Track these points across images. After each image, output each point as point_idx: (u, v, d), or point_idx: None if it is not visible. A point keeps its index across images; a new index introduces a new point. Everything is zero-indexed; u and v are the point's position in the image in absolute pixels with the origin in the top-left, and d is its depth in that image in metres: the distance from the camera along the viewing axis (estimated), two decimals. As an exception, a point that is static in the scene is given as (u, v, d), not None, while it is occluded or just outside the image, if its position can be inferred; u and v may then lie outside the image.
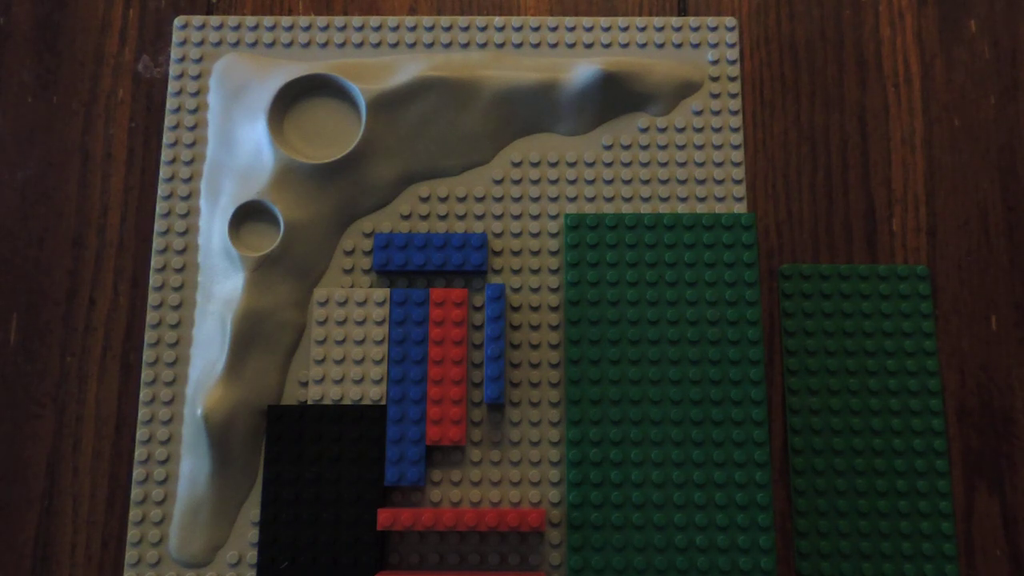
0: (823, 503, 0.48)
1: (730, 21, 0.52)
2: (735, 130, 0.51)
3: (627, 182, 0.51)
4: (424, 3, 0.55)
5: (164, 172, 0.51)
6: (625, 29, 0.52)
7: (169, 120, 0.52)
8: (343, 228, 0.50)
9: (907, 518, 0.48)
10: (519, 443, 0.48)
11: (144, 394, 0.48)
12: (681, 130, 0.51)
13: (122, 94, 0.53)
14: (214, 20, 0.53)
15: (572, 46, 0.52)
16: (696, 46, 0.52)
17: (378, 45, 0.52)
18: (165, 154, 0.51)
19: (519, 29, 0.52)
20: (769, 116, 0.53)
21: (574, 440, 0.47)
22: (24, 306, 0.51)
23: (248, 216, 0.49)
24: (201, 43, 0.53)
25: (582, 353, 0.48)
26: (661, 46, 0.52)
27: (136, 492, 0.47)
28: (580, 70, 0.50)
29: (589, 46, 0.52)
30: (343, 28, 0.53)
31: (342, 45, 0.52)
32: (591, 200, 0.50)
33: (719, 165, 0.51)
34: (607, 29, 0.52)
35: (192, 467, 0.47)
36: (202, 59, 0.52)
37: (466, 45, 0.52)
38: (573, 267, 0.49)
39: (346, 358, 0.48)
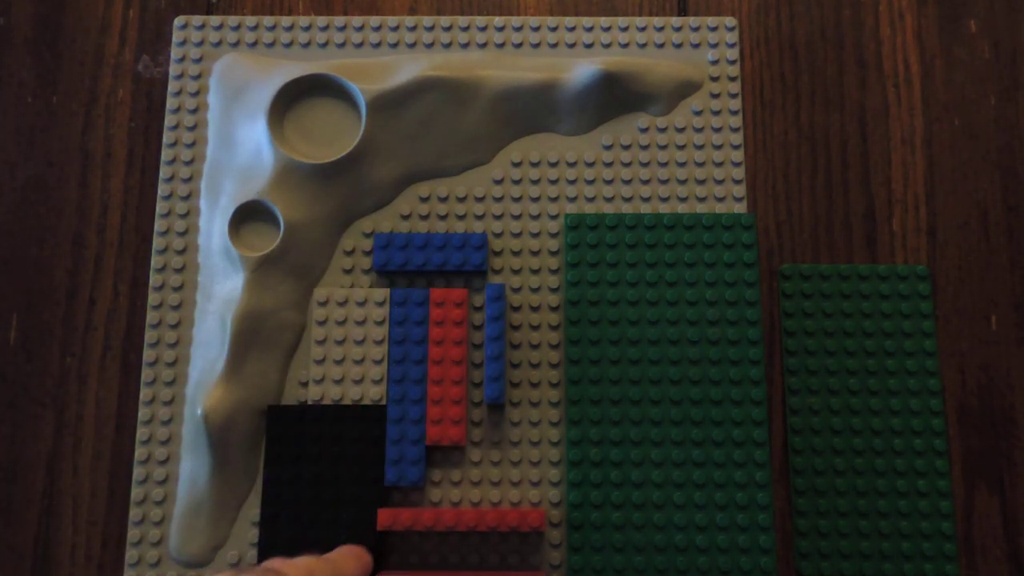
0: (823, 503, 0.48)
1: (730, 21, 0.52)
2: (735, 130, 0.51)
3: (627, 182, 0.51)
4: (424, 3, 0.55)
5: (164, 172, 0.51)
6: (625, 29, 0.52)
7: (169, 120, 0.52)
8: (343, 228, 0.50)
9: (907, 518, 0.48)
10: (519, 443, 0.48)
11: (144, 394, 0.48)
12: (681, 130, 0.51)
13: (122, 94, 0.53)
14: (214, 20, 0.53)
15: (572, 46, 0.52)
16: (696, 46, 0.52)
17: (378, 45, 0.52)
18: (165, 154, 0.51)
19: (519, 29, 0.52)
20: (769, 116, 0.53)
21: (574, 440, 0.47)
22: (24, 306, 0.51)
23: (248, 216, 0.49)
24: (201, 43, 0.53)
25: (582, 353, 0.48)
26: (661, 46, 0.52)
27: (136, 492, 0.47)
28: (580, 70, 0.50)
29: (589, 46, 0.52)
30: (343, 28, 0.53)
31: (342, 45, 0.52)
32: (591, 200, 0.50)
33: (719, 165, 0.51)
34: (607, 29, 0.52)
35: (192, 467, 0.47)
36: (202, 59, 0.52)
37: (466, 45, 0.52)
38: (573, 267, 0.49)
39: (346, 358, 0.48)
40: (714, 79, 0.52)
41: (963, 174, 0.52)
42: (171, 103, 0.52)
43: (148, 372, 0.49)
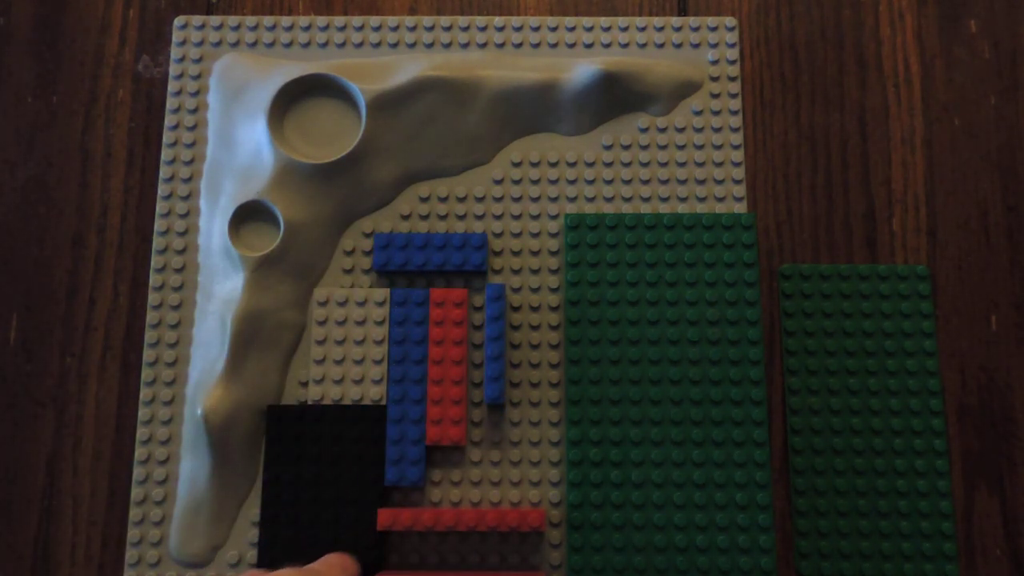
0: (823, 503, 0.48)
1: (730, 21, 0.52)
2: (735, 130, 0.51)
3: (627, 182, 0.51)
4: (424, 3, 0.55)
5: (164, 172, 0.51)
6: (625, 29, 0.52)
7: (169, 120, 0.52)
8: (343, 228, 0.50)
9: (907, 518, 0.48)
10: (519, 443, 0.48)
11: (144, 394, 0.48)
12: (681, 130, 0.51)
13: (122, 94, 0.53)
14: (214, 20, 0.53)
15: (572, 46, 0.52)
16: (696, 46, 0.52)
17: (378, 45, 0.52)
18: (165, 154, 0.51)
19: (519, 29, 0.52)
20: (769, 116, 0.53)
21: (574, 440, 0.47)
22: (24, 306, 0.51)
23: (248, 216, 0.49)
24: (201, 43, 0.53)
25: (582, 353, 0.48)
26: (661, 46, 0.52)
27: (136, 492, 0.47)
28: (580, 70, 0.50)
29: (589, 46, 0.52)
30: (343, 28, 0.53)
31: (342, 45, 0.52)
32: (591, 200, 0.50)
33: (719, 165, 0.51)
34: (607, 29, 0.52)
35: (192, 467, 0.47)
36: (202, 59, 0.52)
37: (466, 45, 0.52)
38: (573, 267, 0.49)
39: (346, 358, 0.48)
40: (714, 79, 0.52)
41: (963, 174, 0.52)
42: (171, 103, 0.52)
43: (148, 372, 0.49)
